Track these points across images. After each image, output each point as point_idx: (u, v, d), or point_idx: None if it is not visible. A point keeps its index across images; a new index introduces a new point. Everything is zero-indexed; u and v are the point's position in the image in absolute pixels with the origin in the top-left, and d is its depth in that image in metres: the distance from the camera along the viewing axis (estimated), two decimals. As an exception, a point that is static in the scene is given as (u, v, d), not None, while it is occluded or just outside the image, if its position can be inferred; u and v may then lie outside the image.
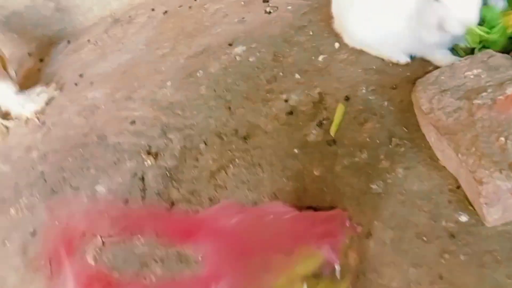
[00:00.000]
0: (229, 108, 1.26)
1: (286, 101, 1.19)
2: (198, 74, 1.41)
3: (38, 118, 1.55)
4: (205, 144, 1.20)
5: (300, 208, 0.91)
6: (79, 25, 1.93)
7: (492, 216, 0.74)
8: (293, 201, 0.98)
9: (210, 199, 1.07)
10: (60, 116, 1.52)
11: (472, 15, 0.87)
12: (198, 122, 1.27)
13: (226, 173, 1.11)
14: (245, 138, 1.16)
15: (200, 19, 1.64)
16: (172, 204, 1.10)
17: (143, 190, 1.17)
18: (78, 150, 1.35)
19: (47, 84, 1.66)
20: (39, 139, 1.47)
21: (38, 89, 1.62)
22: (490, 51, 0.84)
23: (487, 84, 0.78)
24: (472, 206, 0.80)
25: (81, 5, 1.87)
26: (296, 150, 1.07)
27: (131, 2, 1.90)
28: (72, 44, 1.87)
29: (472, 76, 0.80)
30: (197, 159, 1.17)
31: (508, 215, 0.75)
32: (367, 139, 1.01)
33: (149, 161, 1.23)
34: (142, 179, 1.20)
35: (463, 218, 0.81)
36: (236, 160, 1.12)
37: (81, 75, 1.64)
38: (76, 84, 1.62)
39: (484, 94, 0.76)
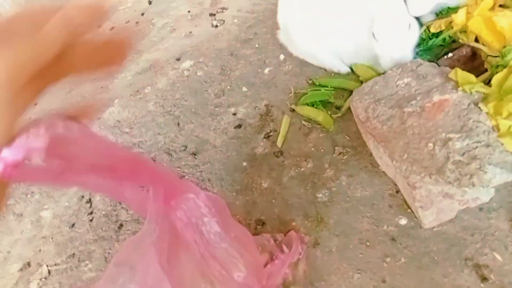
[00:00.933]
0: (178, 124, 1.25)
1: (234, 114, 1.20)
2: (146, 91, 1.39)
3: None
4: (154, 161, 1.18)
5: (247, 225, 0.91)
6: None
7: (428, 219, 0.77)
8: (242, 215, 0.98)
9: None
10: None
11: (406, 55, 0.92)
12: (147, 139, 1.25)
13: (175, 190, 1.09)
14: (194, 154, 1.15)
15: (148, 34, 1.62)
16: (121, 225, 1.08)
17: (91, 213, 1.13)
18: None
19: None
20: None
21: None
22: (418, 60, 0.88)
23: (416, 92, 0.81)
24: (410, 209, 0.84)
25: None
26: (245, 163, 1.08)
27: (76, 18, 1.86)
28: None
29: (403, 85, 0.84)
30: (146, 178, 1.15)
31: (442, 216, 0.78)
32: (312, 149, 1.03)
33: (97, 182, 1.19)
34: (90, 201, 1.16)
35: (403, 221, 0.84)
36: (186, 176, 1.11)
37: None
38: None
39: (413, 102, 0.79)
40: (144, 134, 1.26)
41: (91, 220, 1.13)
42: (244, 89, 1.25)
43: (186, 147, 1.18)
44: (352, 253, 0.84)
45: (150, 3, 1.77)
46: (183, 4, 1.68)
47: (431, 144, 0.73)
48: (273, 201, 0.98)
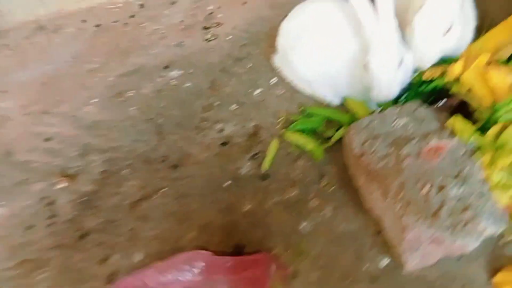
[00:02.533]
0: (160, 133, 1.20)
1: (221, 131, 1.17)
2: (129, 94, 1.33)
3: None
4: (130, 169, 1.12)
5: (226, 248, 0.87)
6: (-4, 28, 1.75)
7: (412, 262, 0.77)
8: (222, 237, 0.94)
9: (131, 230, 0.99)
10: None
11: (393, 91, 0.95)
12: (124, 145, 1.19)
13: (151, 202, 1.04)
14: (175, 166, 1.10)
15: (136, 38, 1.57)
16: (85, 234, 1.00)
17: (52, 216, 1.05)
18: (-22, 165, 1.18)
19: None
20: None
21: None
22: (416, 102, 0.90)
23: (413, 134, 0.83)
24: (393, 250, 0.83)
25: (1, 7, 1.70)
26: (228, 182, 1.04)
27: (61, 10, 1.77)
28: (-14, 46, 1.68)
29: (400, 125, 0.85)
30: (119, 185, 1.09)
31: (425, 260, 0.78)
32: (299, 176, 1.02)
33: (62, 184, 1.11)
34: (52, 203, 1.07)
35: (384, 261, 0.84)
36: (164, 189, 1.06)
37: (-8, 82, 1.47)
38: (-15, 91, 1.44)
39: (411, 143, 0.80)
40: (123, 138, 1.20)
41: (51, 225, 1.05)
42: (234, 106, 1.23)
43: (167, 158, 1.13)
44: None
45: (141, 6, 1.72)
46: (176, 13, 1.65)
47: (427, 187, 0.74)
48: (255, 225, 0.95)
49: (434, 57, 0.97)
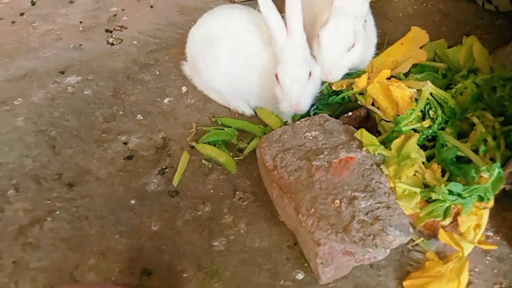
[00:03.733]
0: (53, 147, 1.06)
1: (125, 143, 1.07)
2: (15, 102, 1.17)
3: None
4: (16, 190, 0.97)
5: (130, 275, 0.78)
6: None
7: (326, 275, 0.76)
8: (125, 263, 0.84)
9: (14, 262, 0.85)
10: None
11: (304, 102, 0.95)
12: (9, 161, 1.03)
13: (41, 227, 0.90)
14: (70, 185, 0.98)
15: (25, 38, 1.39)
16: (-43, 270, 0.83)
17: None
18: None
19: None
20: None
21: None
22: (325, 115, 0.91)
23: (324, 146, 0.83)
24: (307, 263, 0.82)
25: None
26: (133, 201, 0.95)
27: None
28: None
29: (311, 137, 0.85)
30: (1, 210, 0.93)
31: (339, 272, 0.78)
32: (211, 191, 0.96)
33: None
34: None
35: (300, 276, 0.82)
36: (57, 211, 0.93)
37: None
38: None
39: (321, 156, 0.80)
40: (7, 154, 1.04)
41: None
42: (139, 117, 1.13)
43: (61, 175, 1.00)
44: (248, 310, 0.78)
45: (33, 3, 1.53)
46: (74, 13, 1.49)
47: (337, 201, 0.73)
48: (163, 247, 0.87)
49: (340, 72, 0.99)
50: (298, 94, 0.95)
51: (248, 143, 1.04)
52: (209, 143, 1.04)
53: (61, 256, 0.86)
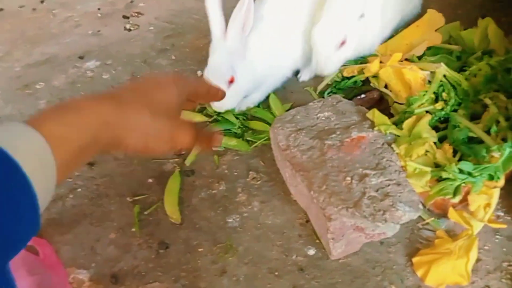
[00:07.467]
0: (74, 128, 1.10)
1: (142, 126, 1.10)
2: (37, 86, 1.21)
3: None
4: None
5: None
6: None
7: (337, 250, 0.78)
8: (144, 237, 0.88)
9: (39, 236, 0.89)
10: None
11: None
12: (33, 142, 1.07)
13: (63, 204, 0.95)
14: (91, 164, 1.02)
15: (46, 25, 1.43)
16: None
17: None
18: None
19: None
20: None
21: None
22: (338, 96, 0.92)
23: (336, 126, 0.84)
24: (319, 239, 0.85)
25: None
26: (150, 180, 0.99)
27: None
28: None
29: (323, 118, 0.87)
30: (27, 187, 0.98)
31: (350, 248, 0.80)
32: (226, 171, 0.99)
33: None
34: None
35: (311, 251, 0.85)
36: (78, 189, 0.97)
37: None
38: None
39: (333, 135, 0.82)
40: (30, 135, 1.08)
41: None
42: (156, 100, 1.16)
43: (82, 155, 1.04)
44: (260, 282, 0.81)
45: (53, -9, 1.57)
46: (93, 0, 1.53)
47: (348, 178, 0.75)
48: (180, 223, 0.90)
49: (332, 67, 1.03)
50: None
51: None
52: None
53: (83, 230, 0.90)
